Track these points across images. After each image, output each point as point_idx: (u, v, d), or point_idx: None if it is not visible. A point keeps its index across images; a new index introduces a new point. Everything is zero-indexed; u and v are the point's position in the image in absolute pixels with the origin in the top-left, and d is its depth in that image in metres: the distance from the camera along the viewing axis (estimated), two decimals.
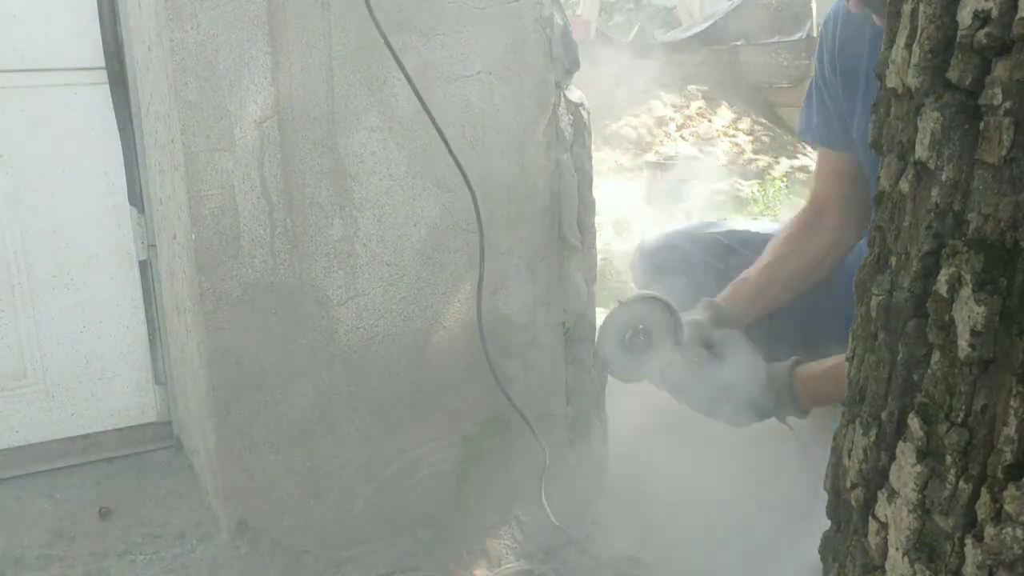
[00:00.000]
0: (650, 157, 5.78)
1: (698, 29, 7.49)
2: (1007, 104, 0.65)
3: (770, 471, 1.56)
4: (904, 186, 0.77)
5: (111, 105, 1.45)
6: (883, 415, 0.79)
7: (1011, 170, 0.65)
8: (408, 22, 1.28)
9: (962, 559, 0.69)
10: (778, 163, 5.98)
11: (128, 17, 1.43)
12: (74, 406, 1.53)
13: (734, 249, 1.72)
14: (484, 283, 1.39)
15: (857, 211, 1.65)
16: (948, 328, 0.70)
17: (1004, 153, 0.65)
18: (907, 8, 0.76)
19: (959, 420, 0.70)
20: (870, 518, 0.81)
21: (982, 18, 0.66)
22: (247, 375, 1.28)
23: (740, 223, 1.88)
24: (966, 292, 0.68)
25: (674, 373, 1.54)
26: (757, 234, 1.76)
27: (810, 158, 5.74)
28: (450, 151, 1.28)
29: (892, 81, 0.79)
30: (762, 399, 1.50)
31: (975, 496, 0.68)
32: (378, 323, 1.34)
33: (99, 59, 1.44)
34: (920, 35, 0.73)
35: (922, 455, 0.73)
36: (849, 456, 0.86)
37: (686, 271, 1.71)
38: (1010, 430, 0.64)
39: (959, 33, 0.68)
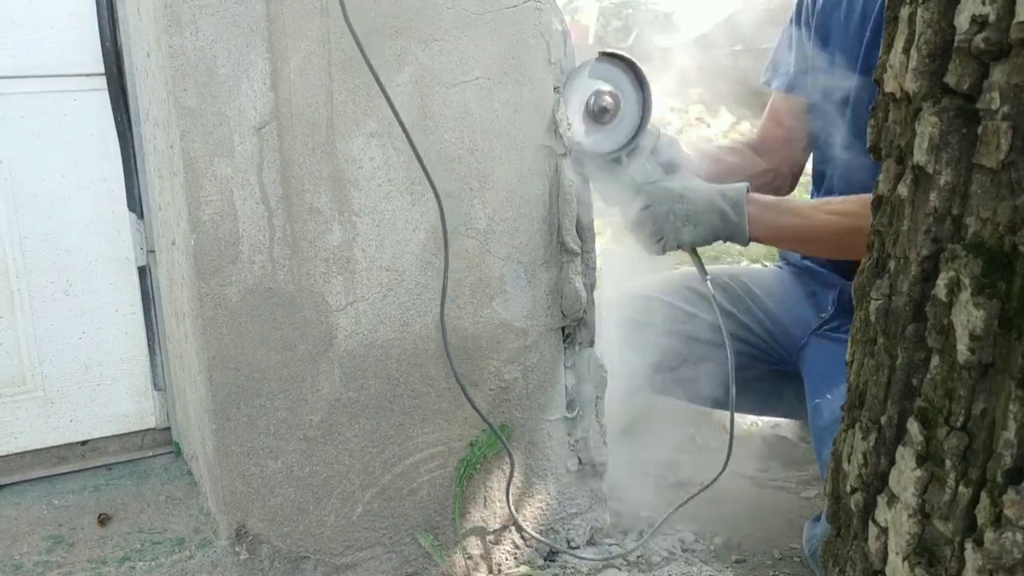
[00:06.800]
0: None
1: (697, 34, 7.50)
2: (1005, 108, 0.65)
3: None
4: (903, 190, 0.77)
5: (110, 111, 1.45)
6: (882, 419, 0.79)
7: (1009, 174, 0.65)
8: (407, 28, 1.28)
9: (962, 563, 0.69)
10: None
11: (127, 23, 1.43)
12: (73, 412, 1.52)
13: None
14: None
15: (795, 153, 1.78)
16: (947, 332, 0.70)
17: (1002, 157, 0.65)
18: (905, 12, 0.76)
19: (958, 424, 0.70)
20: (870, 522, 0.81)
21: (980, 22, 0.66)
22: (246, 381, 1.28)
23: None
24: (965, 296, 0.68)
25: (628, 172, 1.51)
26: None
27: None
28: (418, 157, 1.28)
29: (890, 85, 0.79)
30: (717, 210, 1.46)
31: (975, 500, 0.68)
32: (377, 328, 1.34)
33: (98, 65, 1.44)
34: (918, 39, 0.73)
35: (921, 459, 0.73)
36: (849, 460, 0.86)
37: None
38: (1009, 434, 0.64)
39: (957, 37, 0.69)
